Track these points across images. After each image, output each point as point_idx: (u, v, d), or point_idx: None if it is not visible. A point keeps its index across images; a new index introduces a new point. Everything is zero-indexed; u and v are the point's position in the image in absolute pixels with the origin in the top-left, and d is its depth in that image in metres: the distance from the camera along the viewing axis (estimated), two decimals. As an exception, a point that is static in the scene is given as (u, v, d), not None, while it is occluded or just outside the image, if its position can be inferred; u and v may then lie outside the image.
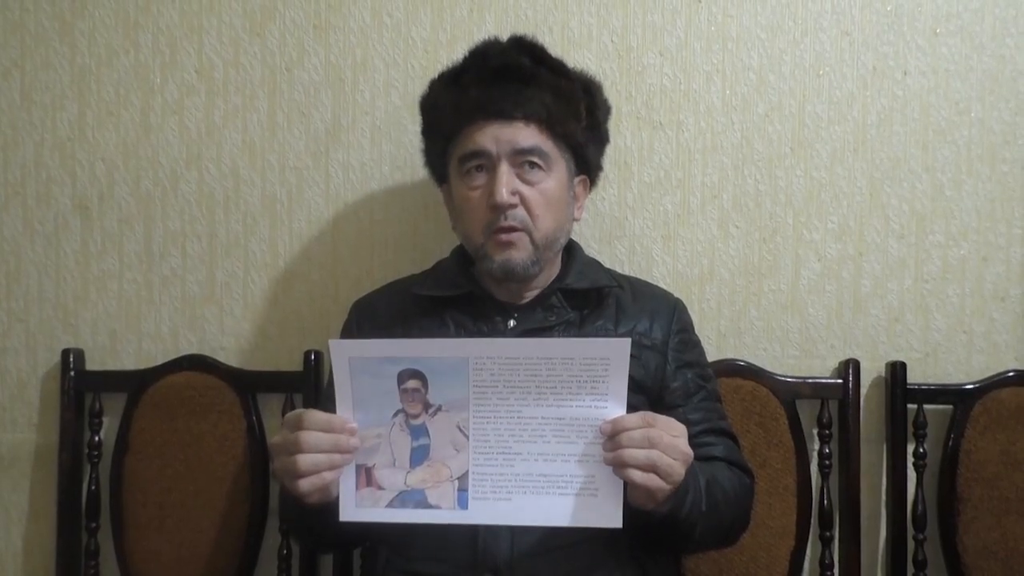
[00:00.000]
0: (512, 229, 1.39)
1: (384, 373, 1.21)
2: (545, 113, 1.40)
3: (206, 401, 1.77)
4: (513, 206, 1.39)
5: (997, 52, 1.78)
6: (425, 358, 1.21)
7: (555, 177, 1.43)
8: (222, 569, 1.75)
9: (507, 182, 1.38)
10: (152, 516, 1.76)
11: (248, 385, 1.79)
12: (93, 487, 1.80)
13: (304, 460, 1.19)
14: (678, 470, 1.19)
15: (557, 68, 1.47)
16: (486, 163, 1.41)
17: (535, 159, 1.40)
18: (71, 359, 1.81)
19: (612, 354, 1.19)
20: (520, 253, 1.40)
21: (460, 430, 1.22)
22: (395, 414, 1.22)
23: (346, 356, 1.21)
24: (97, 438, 1.81)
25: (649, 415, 1.20)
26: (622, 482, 1.20)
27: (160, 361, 1.81)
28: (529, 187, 1.40)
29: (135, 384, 1.79)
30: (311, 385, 1.77)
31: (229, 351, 1.84)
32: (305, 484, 1.19)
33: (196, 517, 1.75)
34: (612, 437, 1.19)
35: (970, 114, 1.78)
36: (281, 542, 1.78)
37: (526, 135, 1.40)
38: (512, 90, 1.40)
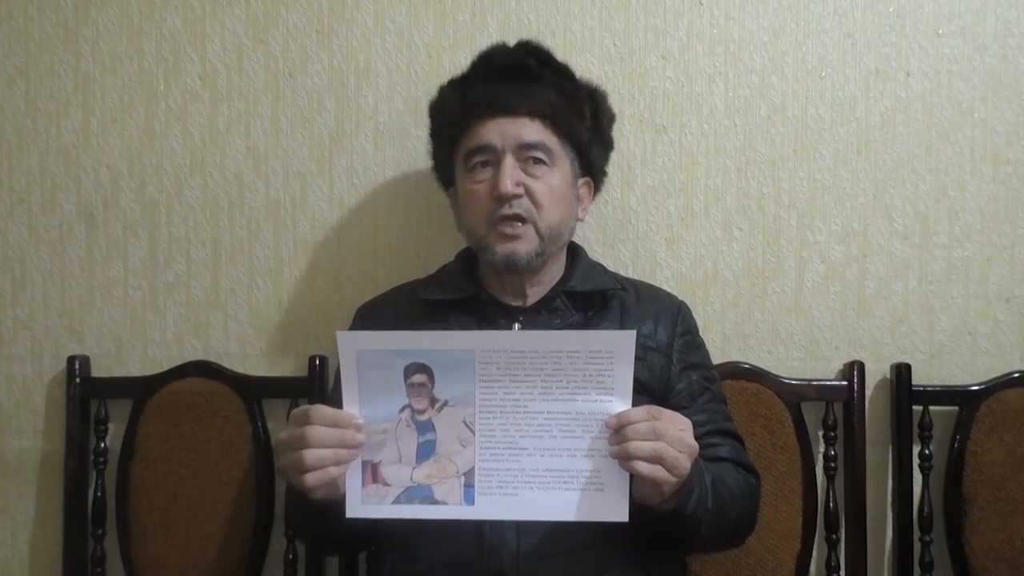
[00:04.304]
0: (516, 218, 1.40)
1: (390, 367, 1.21)
2: (550, 110, 1.42)
3: (211, 407, 1.78)
4: (518, 196, 1.40)
5: (1000, 52, 1.78)
6: (432, 351, 1.21)
7: (559, 173, 1.44)
8: (228, 574, 1.75)
9: (511, 173, 1.40)
10: (158, 522, 1.76)
11: (253, 391, 1.79)
12: (99, 493, 1.80)
13: (311, 455, 1.19)
14: (683, 462, 1.19)
15: (562, 70, 1.50)
16: (491, 159, 1.43)
17: (539, 154, 1.42)
18: (77, 366, 1.81)
19: (617, 347, 1.19)
20: (524, 245, 1.41)
21: (466, 425, 1.22)
22: (401, 409, 1.23)
23: (354, 349, 1.21)
24: (103, 444, 1.81)
25: (654, 408, 1.21)
26: (628, 476, 1.20)
27: (165, 367, 1.81)
28: (534, 180, 1.42)
29: (141, 390, 1.79)
30: (316, 390, 1.77)
31: (234, 357, 1.84)
32: (311, 479, 1.19)
33: (202, 523, 1.76)
34: (618, 430, 1.19)
35: (973, 115, 1.78)
36: (287, 547, 1.78)
37: (531, 130, 1.42)
38: (517, 87, 1.42)
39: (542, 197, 1.41)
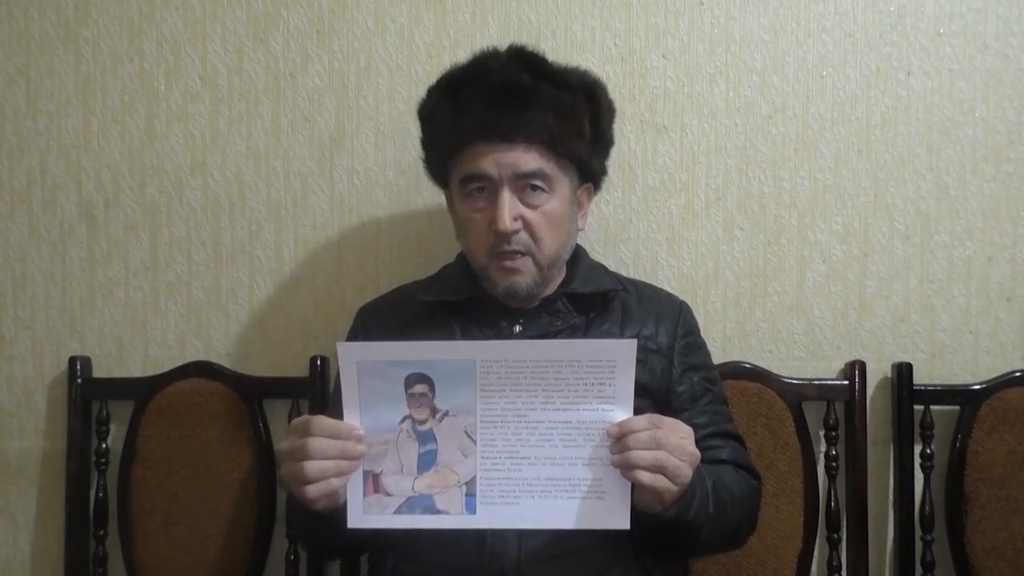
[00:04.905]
0: (515, 253, 1.39)
1: (391, 377, 1.21)
2: (547, 135, 1.38)
3: (212, 408, 1.78)
4: (516, 231, 1.38)
5: (1001, 51, 1.78)
6: (432, 361, 1.21)
7: (558, 197, 1.42)
8: (229, 575, 1.75)
9: (509, 208, 1.37)
10: (159, 523, 1.76)
11: (254, 391, 1.79)
12: (100, 494, 1.81)
13: (311, 466, 1.19)
14: (685, 471, 1.20)
15: (558, 80, 1.43)
16: (488, 186, 1.40)
17: (537, 182, 1.39)
18: (78, 366, 1.81)
19: (618, 356, 1.19)
20: (524, 278, 1.41)
21: (467, 435, 1.22)
22: (402, 420, 1.22)
23: (354, 360, 1.21)
24: (104, 445, 1.81)
25: (655, 417, 1.21)
26: (629, 484, 1.20)
27: (166, 368, 1.81)
28: (532, 210, 1.39)
29: (142, 391, 1.79)
30: (317, 391, 1.77)
31: (235, 357, 1.84)
32: (312, 490, 1.19)
33: (203, 524, 1.76)
34: (619, 439, 1.19)
35: (974, 114, 1.78)
36: (288, 548, 1.78)
37: (528, 159, 1.38)
38: (513, 111, 1.38)
39: (540, 229, 1.40)
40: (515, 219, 1.38)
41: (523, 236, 1.39)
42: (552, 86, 1.42)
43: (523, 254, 1.40)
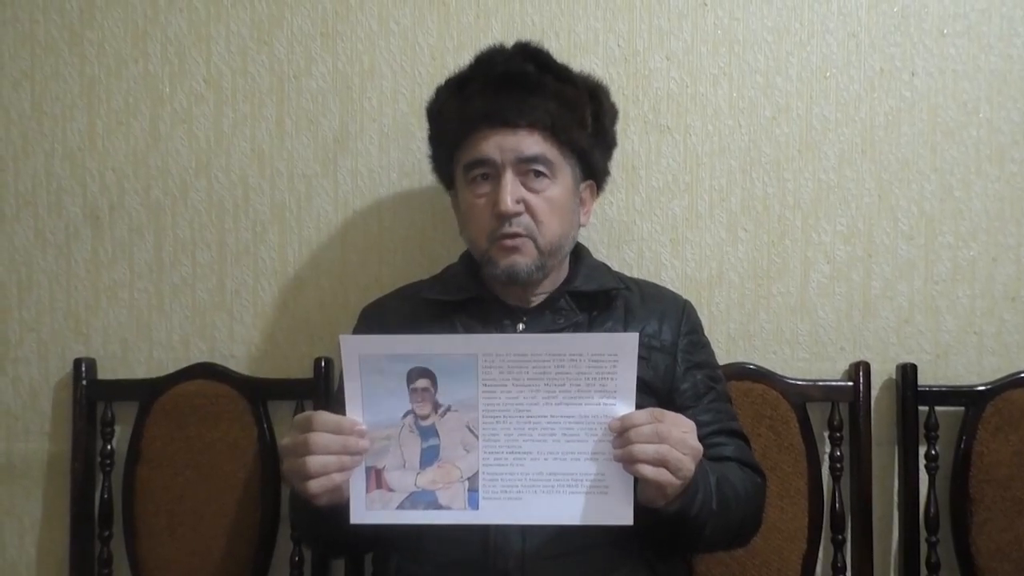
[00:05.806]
0: (516, 235, 1.40)
1: (393, 372, 1.21)
2: (549, 121, 1.41)
3: (217, 409, 1.78)
4: (518, 214, 1.40)
5: (1005, 52, 1.78)
6: (434, 355, 1.21)
7: (560, 184, 1.43)
8: (234, 576, 1.76)
9: (512, 190, 1.39)
10: (164, 524, 1.76)
11: (259, 393, 1.79)
12: (105, 495, 1.81)
13: (313, 462, 1.19)
14: (687, 464, 1.19)
15: (562, 74, 1.47)
16: (491, 171, 1.42)
17: (540, 167, 1.41)
18: (83, 368, 1.81)
19: (620, 349, 1.19)
20: (524, 258, 1.41)
21: (470, 430, 1.22)
22: (405, 415, 1.23)
23: (356, 354, 1.21)
24: (109, 447, 1.81)
25: (658, 411, 1.21)
26: (632, 479, 1.20)
27: (171, 369, 1.82)
28: (534, 195, 1.41)
29: (146, 393, 1.80)
30: (321, 392, 1.77)
31: (239, 359, 1.84)
32: (314, 486, 1.20)
33: (208, 525, 1.76)
34: (621, 433, 1.19)
35: (978, 114, 1.78)
36: (293, 549, 1.78)
37: (530, 143, 1.40)
38: (516, 98, 1.41)
39: (542, 214, 1.41)
40: (517, 201, 1.40)
41: (525, 219, 1.41)
42: (555, 79, 1.45)
43: (524, 236, 1.41)
